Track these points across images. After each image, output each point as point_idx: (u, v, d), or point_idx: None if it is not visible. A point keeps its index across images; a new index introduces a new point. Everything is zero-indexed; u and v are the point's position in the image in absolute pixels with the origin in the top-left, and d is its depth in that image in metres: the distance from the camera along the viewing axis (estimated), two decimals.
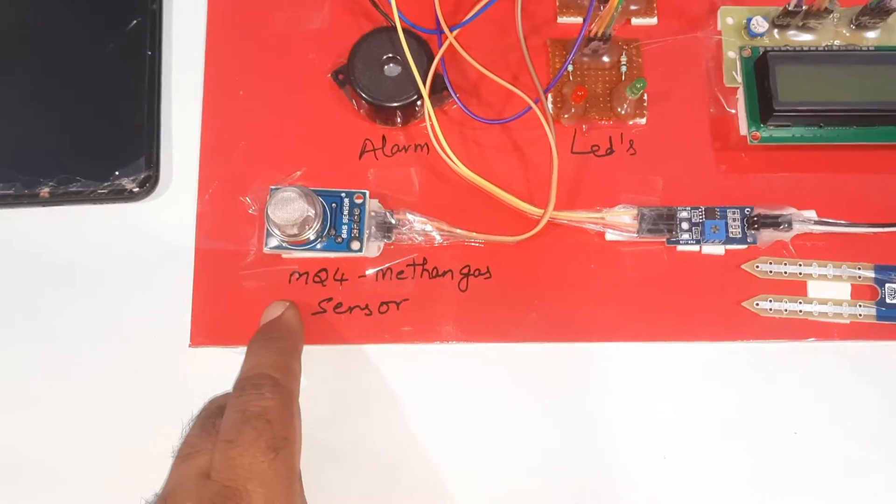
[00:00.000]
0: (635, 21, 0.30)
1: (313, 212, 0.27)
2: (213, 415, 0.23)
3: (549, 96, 0.29)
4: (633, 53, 0.30)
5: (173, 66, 0.31)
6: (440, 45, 0.29)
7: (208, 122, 0.30)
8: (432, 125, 0.27)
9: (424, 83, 0.27)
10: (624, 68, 0.30)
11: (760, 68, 0.28)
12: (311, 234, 0.27)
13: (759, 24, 0.29)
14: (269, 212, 0.26)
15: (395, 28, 0.28)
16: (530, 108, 0.27)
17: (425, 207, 0.29)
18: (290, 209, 0.26)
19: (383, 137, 0.29)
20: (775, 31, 0.30)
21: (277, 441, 0.21)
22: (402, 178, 0.29)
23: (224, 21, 0.31)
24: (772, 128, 0.28)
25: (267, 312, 0.27)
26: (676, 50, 0.30)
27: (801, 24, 0.29)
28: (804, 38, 0.29)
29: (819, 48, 0.28)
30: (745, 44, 0.29)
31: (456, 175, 0.28)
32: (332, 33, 0.30)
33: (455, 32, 0.28)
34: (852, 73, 0.27)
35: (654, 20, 0.30)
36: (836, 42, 0.30)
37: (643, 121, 0.29)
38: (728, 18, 0.30)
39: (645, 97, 0.30)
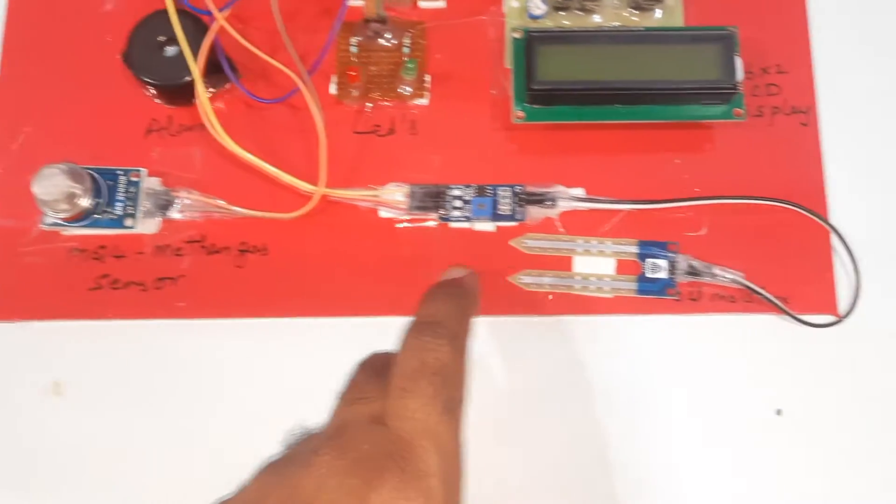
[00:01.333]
0: (423, 4, 0.31)
1: (80, 188, 0.27)
2: (381, 366, 0.22)
3: (335, 77, 0.30)
4: (418, 35, 0.30)
5: None
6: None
7: (0, 102, 0.31)
8: (202, 105, 0.28)
9: (197, 63, 0.28)
10: (407, 50, 0.30)
11: (527, 48, 0.28)
12: (80, 210, 0.27)
13: (537, 6, 0.30)
14: (33, 188, 0.27)
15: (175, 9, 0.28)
16: (298, 88, 0.28)
17: (207, 186, 0.29)
18: (51, 184, 0.27)
19: (170, 117, 0.30)
20: (561, 13, 0.30)
21: (453, 402, 0.21)
22: (185, 156, 0.30)
23: (23, 5, 0.31)
24: (537, 107, 0.29)
25: (447, 272, 0.27)
26: (463, 32, 0.31)
27: (580, 5, 0.30)
28: (586, 20, 0.30)
29: (585, 29, 0.29)
30: (527, 25, 0.30)
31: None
32: (127, 14, 0.30)
33: (225, 13, 0.28)
34: (616, 54, 0.28)
35: (442, 3, 0.31)
36: (617, 24, 0.30)
37: (425, 102, 0.30)
38: (513, 1, 0.31)
39: (427, 78, 0.30)
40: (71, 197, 0.27)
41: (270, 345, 0.29)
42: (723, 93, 0.28)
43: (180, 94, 0.30)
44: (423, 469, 0.19)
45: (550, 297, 0.29)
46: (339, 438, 0.20)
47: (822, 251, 0.29)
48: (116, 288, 0.28)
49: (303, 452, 0.20)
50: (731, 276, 0.28)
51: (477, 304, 0.26)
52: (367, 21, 0.29)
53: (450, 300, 0.24)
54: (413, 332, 0.22)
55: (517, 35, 0.29)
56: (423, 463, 0.19)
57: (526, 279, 0.29)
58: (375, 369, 0.22)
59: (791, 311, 0.28)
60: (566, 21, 0.30)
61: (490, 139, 0.30)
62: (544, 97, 0.28)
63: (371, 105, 0.30)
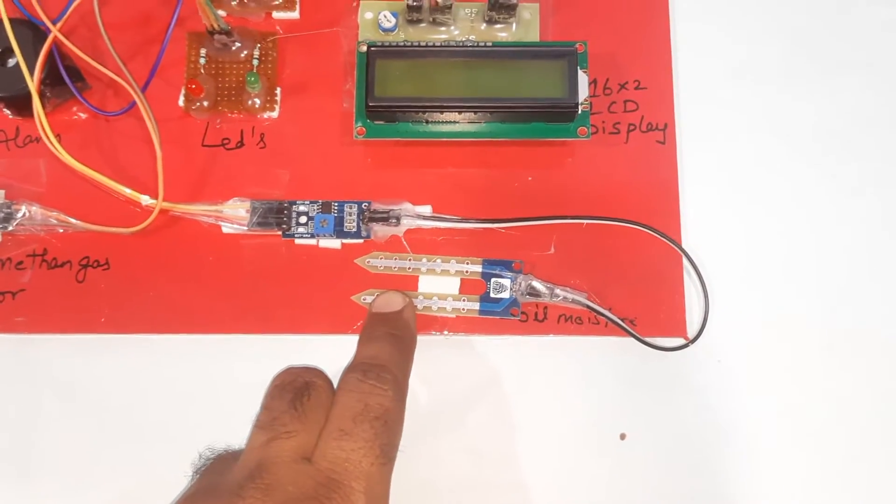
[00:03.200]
0: (277, 14, 0.30)
1: None
2: (301, 392, 0.21)
3: (183, 90, 0.29)
4: (269, 47, 0.30)
5: None
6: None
7: None
8: (37, 116, 0.27)
9: (32, 75, 0.28)
10: (256, 62, 0.30)
11: (367, 64, 0.27)
12: None
13: (387, 20, 0.29)
14: None
15: (14, 19, 0.27)
16: (135, 102, 0.28)
17: (52, 199, 0.29)
18: None
19: (17, 128, 0.30)
20: (413, 27, 0.30)
21: (391, 448, 0.21)
22: (30, 169, 0.29)
23: None
24: (378, 124, 0.28)
25: (383, 300, 0.26)
26: (316, 44, 0.30)
27: (431, 19, 0.29)
28: (438, 33, 0.29)
29: (428, 44, 0.28)
30: (379, 38, 0.29)
31: None
32: None
33: (59, 25, 0.27)
34: (458, 69, 0.27)
35: (295, 14, 0.30)
36: (472, 38, 0.30)
37: (275, 114, 0.29)
38: (367, 13, 0.30)
39: (278, 91, 0.30)
40: None
41: (110, 361, 0.28)
42: (566, 111, 0.27)
43: (26, 105, 0.29)
44: None
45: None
46: (261, 478, 0.19)
47: (674, 273, 0.28)
48: None
49: (223, 490, 0.19)
50: (573, 297, 0.27)
51: (415, 342, 0.25)
52: (210, 33, 0.29)
53: (393, 342, 0.24)
54: (355, 374, 0.22)
55: (362, 48, 0.28)
56: None
57: (369, 298, 0.28)
58: (293, 394, 0.21)
59: (636, 334, 0.28)
60: (418, 35, 0.29)
61: (340, 154, 0.29)
62: (383, 113, 0.28)
63: (220, 122, 0.29)
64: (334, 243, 0.28)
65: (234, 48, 0.29)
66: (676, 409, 0.28)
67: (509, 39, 0.29)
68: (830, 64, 0.31)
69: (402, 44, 0.28)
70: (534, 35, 0.30)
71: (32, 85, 0.28)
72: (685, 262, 0.28)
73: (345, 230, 0.28)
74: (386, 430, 0.20)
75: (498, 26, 0.30)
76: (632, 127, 0.29)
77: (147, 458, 0.27)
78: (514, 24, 0.30)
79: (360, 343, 0.24)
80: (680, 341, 0.28)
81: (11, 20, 0.28)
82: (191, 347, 0.28)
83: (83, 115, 0.30)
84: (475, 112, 0.27)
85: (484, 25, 0.30)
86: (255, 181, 0.29)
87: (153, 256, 0.29)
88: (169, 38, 0.28)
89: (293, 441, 0.20)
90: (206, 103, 0.29)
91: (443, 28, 0.29)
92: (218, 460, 0.22)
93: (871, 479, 0.27)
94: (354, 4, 0.30)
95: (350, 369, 0.22)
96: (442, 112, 0.27)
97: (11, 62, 0.29)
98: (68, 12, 0.28)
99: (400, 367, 0.23)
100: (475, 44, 0.28)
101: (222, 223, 0.28)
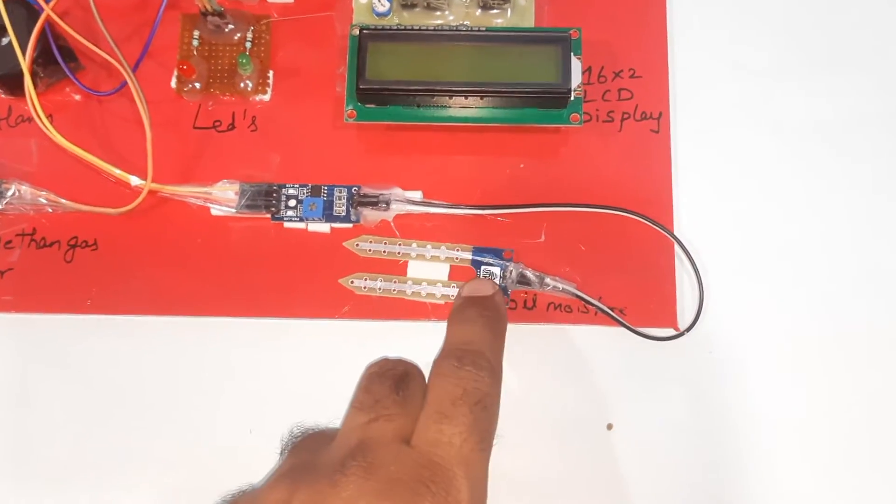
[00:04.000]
0: None
1: None
2: (402, 378, 0.21)
3: (175, 71, 0.29)
4: (263, 30, 0.30)
5: None
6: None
7: None
8: (29, 96, 0.27)
9: (24, 54, 0.28)
10: (249, 44, 0.29)
11: (359, 47, 0.27)
12: None
13: (381, 4, 0.29)
14: None
15: None
16: (126, 83, 0.27)
17: (42, 178, 0.29)
18: None
19: (9, 108, 0.30)
20: (407, 12, 0.29)
21: (489, 434, 0.20)
22: (22, 148, 0.29)
23: None
24: (369, 107, 0.28)
25: (474, 285, 0.25)
26: (310, 28, 0.30)
27: (425, 3, 0.29)
28: (432, 18, 0.29)
29: (421, 28, 0.28)
30: (372, 22, 0.29)
31: None
32: None
33: (51, 4, 0.27)
34: (451, 53, 0.27)
35: None
36: (467, 23, 0.29)
37: (266, 97, 0.29)
38: None
39: (270, 74, 0.30)
40: None
41: (97, 341, 0.28)
42: (558, 97, 0.27)
43: (18, 85, 0.29)
44: (455, 498, 0.18)
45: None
46: (363, 457, 0.19)
47: (667, 263, 0.28)
48: None
49: (323, 467, 0.19)
50: (563, 286, 0.27)
51: (506, 327, 0.24)
52: (203, 14, 0.29)
53: (486, 325, 0.23)
54: (452, 360, 0.21)
55: (355, 32, 0.28)
56: (457, 491, 0.18)
57: (357, 282, 0.28)
58: (394, 380, 0.21)
59: (626, 323, 0.27)
60: (412, 19, 0.29)
61: (331, 137, 0.29)
62: (375, 96, 0.27)
63: (212, 104, 0.29)
64: (323, 227, 0.28)
65: (227, 30, 0.29)
66: (665, 400, 0.27)
67: (504, 25, 0.29)
68: (826, 57, 0.30)
69: (395, 27, 0.28)
70: (529, 21, 0.29)
71: (24, 64, 0.28)
72: (677, 250, 0.28)
73: (334, 214, 0.28)
74: (486, 415, 0.20)
75: (493, 12, 0.29)
76: (626, 115, 0.29)
77: (134, 438, 0.27)
78: (508, 10, 0.29)
79: (451, 325, 0.23)
80: (671, 331, 0.28)
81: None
82: (178, 330, 0.28)
83: (77, 97, 0.30)
84: (467, 96, 0.27)
85: (479, 11, 0.29)
86: (246, 164, 0.29)
87: (141, 237, 0.28)
88: (160, 19, 0.28)
89: (394, 423, 0.20)
90: (197, 85, 0.29)
91: (437, 13, 0.29)
92: (310, 438, 0.22)
93: (862, 470, 0.27)
94: None
95: (444, 355, 0.22)
96: (433, 96, 0.27)
97: (4, 41, 0.29)
98: None
99: (494, 351, 0.22)
100: (469, 28, 0.28)
101: (211, 205, 0.28)
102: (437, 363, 0.22)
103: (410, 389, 0.21)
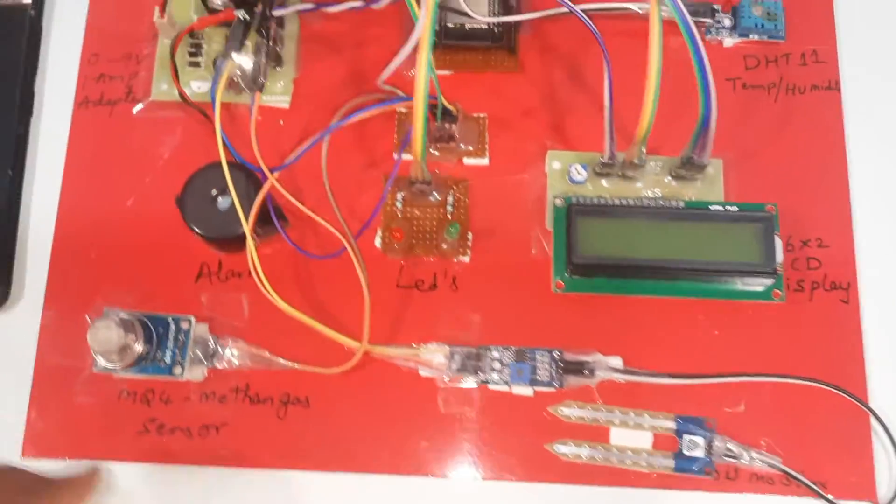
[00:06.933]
0: (467, 161, 0.32)
1: (133, 338, 0.28)
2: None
3: (380, 230, 0.31)
4: (461, 193, 0.31)
5: (35, 183, 0.32)
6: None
7: (59, 240, 0.31)
8: (252, 261, 0.29)
9: (247, 218, 0.29)
10: (450, 208, 0.31)
11: (568, 219, 0.29)
12: (133, 359, 0.29)
13: (578, 173, 0.31)
14: (88, 340, 0.28)
15: (228, 163, 0.29)
16: (344, 248, 0.29)
17: (252, 334, 0.30)
18: (106, 338, 0.28)
19: (220, 262, 0.31)
20: (602, 179, 0.31)
21: None
22: (232, 303, 0.31)
23: (83, 139, 0.32)
24: (576, 278, 0.29)
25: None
26: (505, 190, 0.31)
27: (620, 173, 0.31)
28: (626, 187, 0.31)
29: (625, 202, 0.29)
30: (568, 189, 0.31)
31: None
32: (183, 159, 0.31)
33: (276, 174, 0.29)
34: (655, 230, 0.28)
35: (485, 160, 0.32)
36: (657, 191, 0.31)
37: (467, 259, 0.31)
38: (555, 163, 0.31)
39: (469, 236, 0.31)
40: (124, 349, 0.28)
41: (307, 498, 0.29)
42: (762, 275, 0.28)
43: (231, 243, 0.31)
44: None
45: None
46: None
47: (862, 434, 0.29)
48: (162, 433, 0.29)
49: None
50: (768, 461, 0.28)
51: None
52: (412, 183, 0.30)
53: None
54: None
55: (559, 203, 0.30)
56: None
57: (562, 448, 0.29)
58: None
59: (830, 498, 0.28)
60: (607, 187, 0.31)
61: (529, 301, 0.30)
62: (584, 269, 0.29)
63: (412, 261, 0.30)
64: (527, 390, 0.29)
65: (429, 194, 0.31)
66: None
67: (695, 195, 0.30)
68: None
69: (599, 201, 0.29)
70: (718, 190, 0.31)
71: (247, 228, 0.29)
72: (872, 422, 0.29)
73: (537, 379, 0.29)
74: None
75: (683, 182, 0.30)
76: (815, 285, 0.30)
77: None
78: (699, 181, 0.31)
79: None
80: None
81: (229, 164, 0.29)
82: (386, 489, 0.29)
83: (269, 252, 0.31)
84: (675, 271, 0.28)
85: (670, 179, 0.31)
86: (447, 323, 0.30)
87: (351, 397, 0.30)
88: (386, 194, 0.29)
89: None
90: (399, 246, 0.31)
91: (631, 182, 0.31)
92: None
93: None
94: (542, 151, 0.32)
95: None
96: (643, 270, 0.28)
97: (222, 203, 0.30)
98: (293, 162, 0.29)
99: None
100: (671, 205, 0.29)
101: (420, 367, 0.30)
102: None
103: None
